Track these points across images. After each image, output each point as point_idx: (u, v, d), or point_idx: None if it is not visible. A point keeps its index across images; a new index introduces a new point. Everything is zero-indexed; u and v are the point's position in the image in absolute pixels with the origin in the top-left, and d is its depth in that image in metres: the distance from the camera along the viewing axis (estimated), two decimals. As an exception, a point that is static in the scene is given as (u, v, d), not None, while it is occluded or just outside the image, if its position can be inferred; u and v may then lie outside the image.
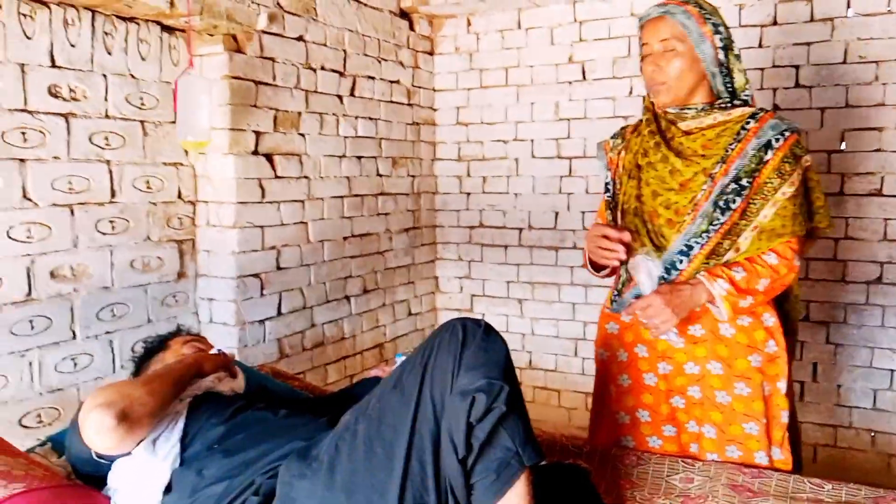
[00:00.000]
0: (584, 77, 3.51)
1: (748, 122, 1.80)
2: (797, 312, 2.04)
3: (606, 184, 2.03)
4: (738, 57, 1.83)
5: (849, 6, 2.97)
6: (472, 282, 3.90)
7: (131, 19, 2.39)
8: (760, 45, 3.13)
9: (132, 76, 2.40)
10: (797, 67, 3.08)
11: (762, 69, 3.14)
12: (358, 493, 1.27)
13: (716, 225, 1.76)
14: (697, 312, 1.80)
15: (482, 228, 3.84)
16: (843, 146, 3.03)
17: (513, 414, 1.32)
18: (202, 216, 2.67)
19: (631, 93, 3.39)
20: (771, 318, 1.84)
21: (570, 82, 3.55)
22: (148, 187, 2.49)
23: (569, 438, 2.02)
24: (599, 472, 1.80)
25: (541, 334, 3.74)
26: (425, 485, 1.28)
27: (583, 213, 3.56)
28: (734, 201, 1.75)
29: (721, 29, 1.81)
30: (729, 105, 1.83)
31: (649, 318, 1.74)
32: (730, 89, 1.84)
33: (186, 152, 2.62)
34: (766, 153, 1.75)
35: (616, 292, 1.94)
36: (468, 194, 3.86)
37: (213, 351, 1.82)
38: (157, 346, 1.87)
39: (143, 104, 2.44)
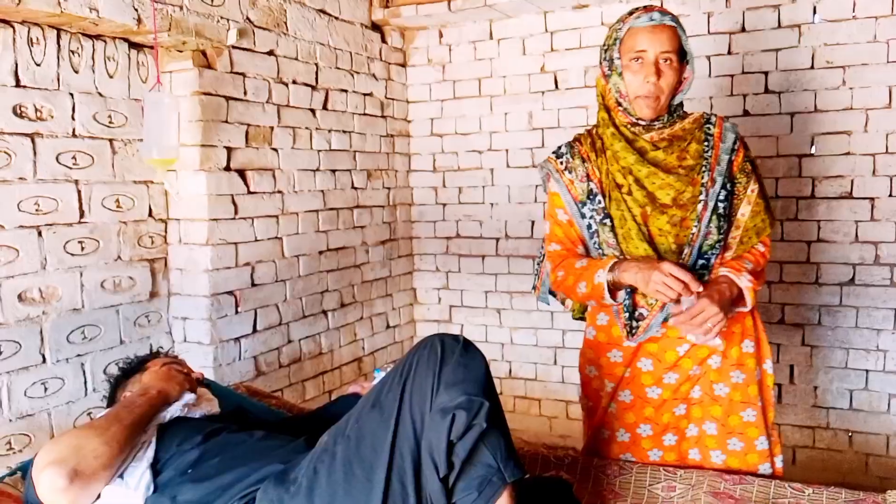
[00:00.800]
0: (557, 86, 3.52)
1: (708, 129, 1.84)
2: None
3: (586, 202, 1.86)
4: None
5: (815, 12, 3.02)
6: (450, 292, 3.89)
7: (98, 37, 2.35)
8: (730, 52, 3.17)
9: (100, 94, 2.36)
10: (766, 73, 3.11)
11: (732, 76, 3.17)
12: (338, 517, 1.25)
13: (722, 233, 1.81)
14: None
15: (459, 239, 3.83)
16: (813, 150, 3.07)
17: (493, 430, 1.31)
18: (174, 234, 2.63)
19: (603, 101, 3.41)
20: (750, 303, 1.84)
21: (542, 92, 3.56)
22: (118, 206, 2.45)
23: (550, 449, 2.02)
24: (582, 484, 1.79)
25: (520, 343, 3.73)
26: (406, 505, 1.26)
27: (559, 221, 3.56)
28: (726, 207, 1.81)
29: None
30: (681, 114, 1.87)
31: (703, 323, 1.66)
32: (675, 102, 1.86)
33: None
34: (731, 155, 1.82)
35: (628, 326, 1.84)
36: (444, 205, 3.85)
37: (193, 377, 1.79)
38: (134, 367, 1.84)
39: (111, 122, 2.40)
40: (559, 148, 1.95)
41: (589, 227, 1.86)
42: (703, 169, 1.79)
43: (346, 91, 3.32)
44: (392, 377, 1.36)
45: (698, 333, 1.70)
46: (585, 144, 1.90)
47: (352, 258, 3.40)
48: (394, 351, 3.75)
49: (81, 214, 2.32)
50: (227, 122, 2.66)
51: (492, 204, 3.73)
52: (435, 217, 3.88)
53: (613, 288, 1.78)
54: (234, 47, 2.68)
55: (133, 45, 2.47)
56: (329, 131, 3.21)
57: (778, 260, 3.11)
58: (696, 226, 1.77)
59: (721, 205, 1.79)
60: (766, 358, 1.91)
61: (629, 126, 1.82)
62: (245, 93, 2.75)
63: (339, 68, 3.27)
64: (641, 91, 1.75)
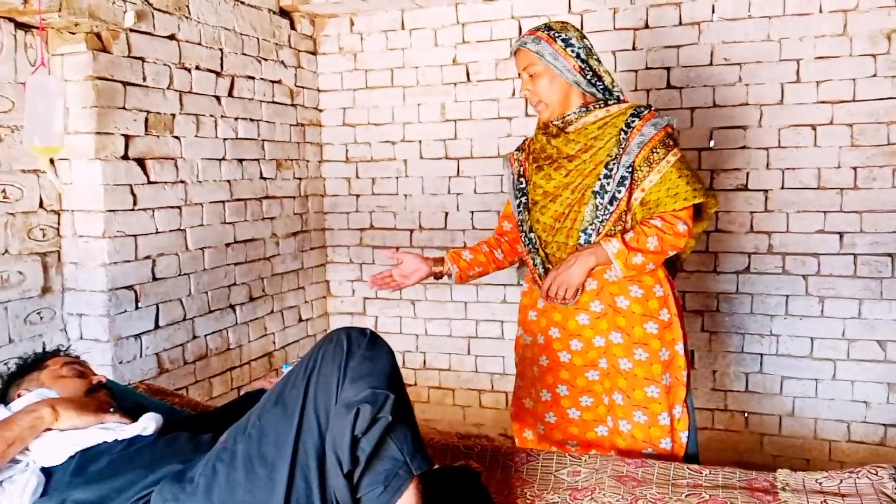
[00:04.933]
0: (469, 79, 3.53)
1: (632, 121, 2.01)
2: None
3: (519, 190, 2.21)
4: (598, 60, 2.07)
5: (714, 11, 3.14)
6: (363, 284, 3.85)
7: (-22, 15, 2.20)
8: (634, 48, 3.26)
9: (-19, 76, 2.21)
10: (668, 69, 3.22)
11: (636, 71, 3.26)
12: (238, 517, 1.21)
13: (600, 216, 2.00)
14: (595, 290, 2.04)
15: (373, 230, 3.80)
16: (711, 144, 3.19)
17: (400, 423, 1.30)
18: (68, 226, 2.50)
19: (514, 94, 3.45)
20: (661, 290, 2.06)
21: (454, 83, 3.56)
22: (5, 197, 2.30)
23: (462, 438, 2.03)
24: (490, 473, 1.81)
25: (434, 334, 3.74)
26: (311, 503, 1.24)
27: (472, 212, 3.59)
28: (613, 196, 2.01)
29: (573, 42, 2.02)
30: (605, 103, 2.06)
31: (553, 292, 2.02)
32: (602, 89, 2.06)
33: (52, 161, 2.43)
34: (640, 148, 1.99)
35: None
36: (357, 196, 3.81)
37: (95, 380, 1.70)
38: (31, 365, 1.73)
39: (-5, 107, 2.25)
40: (523, 141, 2.29)
41: (517, 205, 2.20)
42: (612, 160, 2.00)
43: (253, 78, 3.23)
44: (296, 373, 1.33)
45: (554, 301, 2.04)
46: (529, 143, 2.25)
47: (261, 250, 3.32)
48: (306, 345, 3.68)
49: (-38, 205, 2.17)
50: (124, 108, 2.54)
51: (405, 195, 3.71)
52: (348, 208, 3.83)
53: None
54: (131, 30, 2.55)
55: (20, 26, 2.33)
56: (235, 119, 3.12)
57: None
58: (588, 209, 2.01)
59: (604, 193, 1.99)
60: (677, 340, 2.07)
61: (546, 128, 2.13)
62: (144, 78, 2.63)
63: (245, 54, 3.17)
64: (529, 103, 2.13)
